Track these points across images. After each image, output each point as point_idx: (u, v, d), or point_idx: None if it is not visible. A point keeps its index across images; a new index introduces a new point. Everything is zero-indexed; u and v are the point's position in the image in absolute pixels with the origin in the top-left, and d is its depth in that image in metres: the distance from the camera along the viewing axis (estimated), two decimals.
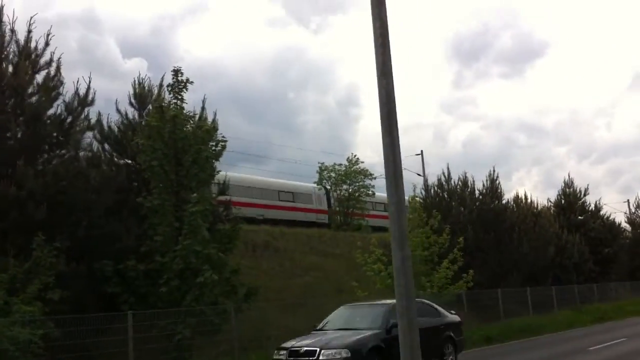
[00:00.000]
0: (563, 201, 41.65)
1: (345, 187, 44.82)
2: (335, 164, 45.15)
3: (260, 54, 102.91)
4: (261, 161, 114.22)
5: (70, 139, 15.87)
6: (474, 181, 32.38)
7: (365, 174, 45.53)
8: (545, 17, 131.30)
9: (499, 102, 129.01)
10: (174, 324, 14.34)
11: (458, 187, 32.08)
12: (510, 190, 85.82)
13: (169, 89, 17.16)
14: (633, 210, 52.80)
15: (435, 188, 32.43)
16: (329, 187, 44.49)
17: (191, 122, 17.24)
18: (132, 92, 18.73)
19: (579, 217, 40.04)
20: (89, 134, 16.77)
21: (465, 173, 32.82)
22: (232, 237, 17.24)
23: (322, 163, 45.20)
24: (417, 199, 27.88)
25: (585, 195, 42.19)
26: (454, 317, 16.68)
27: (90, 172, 16.44)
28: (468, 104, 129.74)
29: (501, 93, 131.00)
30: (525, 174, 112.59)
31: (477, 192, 32.18)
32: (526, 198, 38.13)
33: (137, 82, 18.78)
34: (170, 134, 16.00)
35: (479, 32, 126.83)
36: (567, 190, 41.97)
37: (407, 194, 33.24)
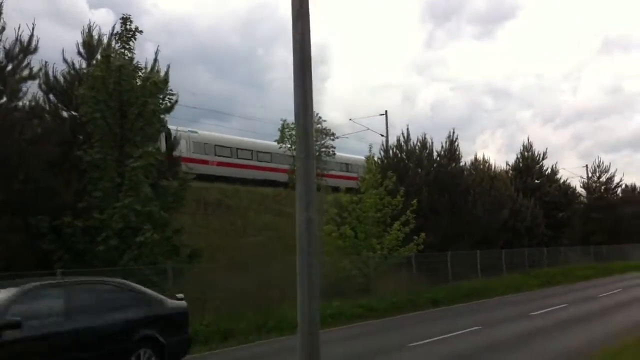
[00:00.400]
0: (521, 164, 41.86)
1: None
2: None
3: (231, 9, 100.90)
4: (224, 118, 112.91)
5: (7, 88, 15.05)
6: (432, 142, 32.23)
7: (327, 133, 45.03)
8: None
9: (470, 64, 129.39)
10: None
11: (417, 148, 31.86)
12: (473, 154, 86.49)
13: (117, 37, 16.33)
14: (590, 175, 53.86)
15: (394, 149, 32.16)
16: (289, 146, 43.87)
17: (140, 74, 16.44)
18: (80, 40, 17.93)
19: (535, 181, 40.38)
20: (31, 83, 15.85)
21: (425, 134, 32.69)
22: (177, 196, 16.51)
23: (284, 120, 44.40)
24: (375, 159, 27.62)
25: (543, 159, 42.46)
26: (170, 306, 10.91)
27: (30, 123, 15.77)
28: (439, 65, 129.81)
29: (472, 55, 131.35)
30: (489, 137, 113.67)
31: (435, 154, 32.00)
32: (484, 161, 38.39)
33: (86, 30, 17.96)
34: (115, 85, 15.25)
35: None
36: (526, 153, 42.16)
37: (364, 154, 33.22)
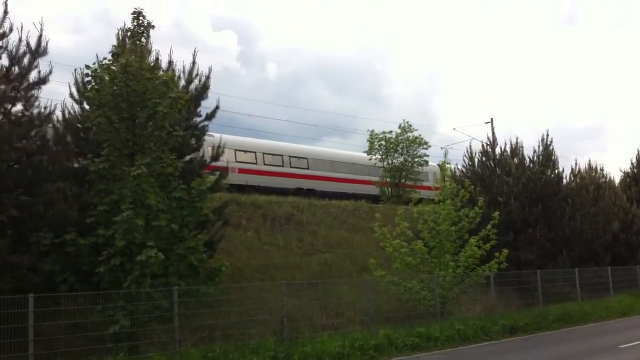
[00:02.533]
0: (636, 170, 37.23)
1: (397, 156, 41.65)
2: (384, 131, 41.94)
3: (347, 26, 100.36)
4: (345, 135, 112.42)
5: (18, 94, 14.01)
6: (522, 147, 28.98)
7: (420, 142, 42.12)
8: None
9: None
10: (112, 310, 12.34)
11: (505, 154, 28.77)
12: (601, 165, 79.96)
13: (128, 34, 14.99)
14: None
15: (480, 155, 29.16)
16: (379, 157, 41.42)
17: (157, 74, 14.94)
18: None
19: None
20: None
21: (517, 138, 29.51)
22: (194, 207, 14.70)
23: (372, 130, 42.09)
24: (449, 166, 24.87)
25: None
26: None
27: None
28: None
29: None
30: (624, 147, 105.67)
31: (527, 160, 28.75)
32: (591, 167, 34.40)
33: (119, 33, 16.79)
34: (122, 86, 13.88)
35: None
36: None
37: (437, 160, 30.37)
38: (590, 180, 32.86)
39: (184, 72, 18.74)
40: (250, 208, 26.12)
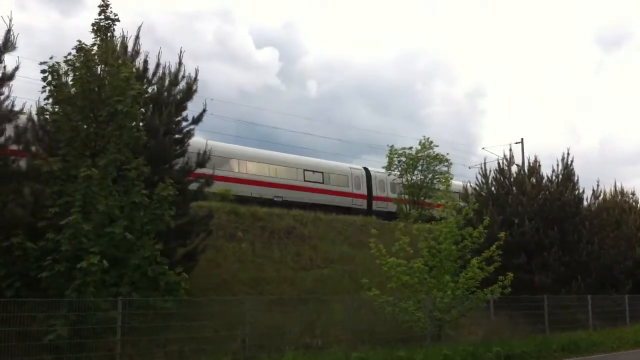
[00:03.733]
0: None
1: (416, 172, 40.28)
2: (404, 147, 40.60)
3: (387, 45, 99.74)
4: (383, 153, 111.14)
5: None
6: (539, 165, 27.50)
7: (441, 159, 40.65)
8: None
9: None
10: (54, 319, 11.43)
11: (521, 172, 27.34)
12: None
13: (94, 28, 14.18)
14: None
15: (495, 173, 27.73)
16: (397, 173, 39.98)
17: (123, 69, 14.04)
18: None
19: None
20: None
21: (536, 157, 28.07)
22: (154, 215, 13.65)
23: (392, 146, 40.78)
24: (451, 179, 23.56)
25: None
26: None
27: None
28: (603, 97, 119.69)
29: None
30: None
31: (545, 179, 27.28)
32: (617, 191, 32.70)
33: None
34: (84, 83, 13.07)
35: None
36: None
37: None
38: (615, 204, 31.24)
39: (169, 73, 18.09)
40: (249, 219, 25.16)
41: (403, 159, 40.33)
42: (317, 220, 27.96)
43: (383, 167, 39.96)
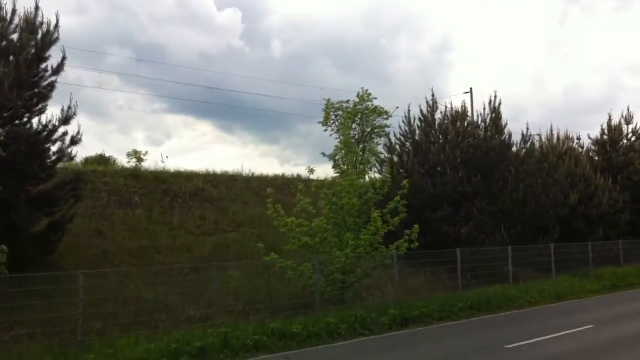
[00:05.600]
0: (605, 136, 33.94)
1: (354, 126, 38.33)
2: (341, 101, 38.61)
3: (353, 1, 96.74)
4: None
5: None
6: (465, 111, 25.89)
7: (380, 112, 38.77)
8: None
9: (605, 40, 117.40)
10: None
11: (446, 119, 25.66)
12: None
13: None
14: None
15: (418, 121, 25.99)
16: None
17: None
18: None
19: (621, 157, 32.38)
20: None
21: (463, 102, 26.47)
22: None
23: (328, 99, 38.70)
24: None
25: (628, 123, 34.08)
26: None
27: None
28: (571, 44, 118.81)
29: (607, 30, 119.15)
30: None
31: (472, 126, 25.65)
32: (552, 134, 31.40)
33: None
34: None
35: None
36: (611, 125, 34.05)
37: None
38: (552, 149, 29.93)
39: (26, 20, 15.93)
40: (152, 183, 23.26)
41: (340, 112, 38.62)
42: (231, 180, 26.15)
43: (319, 122, 38.13)
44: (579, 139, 34.34)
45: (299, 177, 28.75)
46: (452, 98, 64.88)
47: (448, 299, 17.20)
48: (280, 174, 29.99)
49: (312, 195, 19.09)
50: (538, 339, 12.76)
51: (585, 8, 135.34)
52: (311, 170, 20.00)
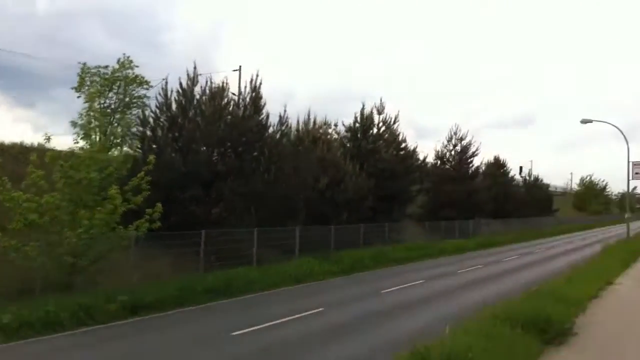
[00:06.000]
0: (357, 124, 35.80)
1: (111, 95, 35.65)
2: (99, 66, 35.68)
3: None
4: None
5: None
6: (227, 88, 25.29)
7: (140, 81, 36.51)
8: None
9: None
10: None
11: (205, 94, 24.85)
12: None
13: None
14: (445, 143, 48.88)
15: (177, 95, 24.83)
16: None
17: None
18: None
19: (370, 145, 34.44)
20: None
21: (226, 79, 25.72)
22: None
23: (84, 63, 35.52)
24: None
25: (380, 113, 36.49)
26: None
27: None
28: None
29: None
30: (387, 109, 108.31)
31: (228, 103, 25.13)
32: (309, 119, 32.18)
33: None
34: None
35: None
36: (364, 113, 36.00)
37: None
38: (307, 134, 30.71)
39: None
40: None
41: (97, 79, 35.84)
42: None
43: (72, 88, 34.99)
44: (336, 125, 35.98)
45: (41, 147, 26.04)
46: (223, 75, 64.28)
47: (188, 283, 16.60)
48: (19, 142, 26.87)
49: (48, 168, 17.19)
50: (266, 324, 12.81)
51: None
52: (48, 139, 18.02)
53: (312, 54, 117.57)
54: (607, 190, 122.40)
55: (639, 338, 9.71)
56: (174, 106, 24.61)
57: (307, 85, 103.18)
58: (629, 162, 37.40)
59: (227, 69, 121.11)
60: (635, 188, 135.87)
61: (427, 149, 50.30)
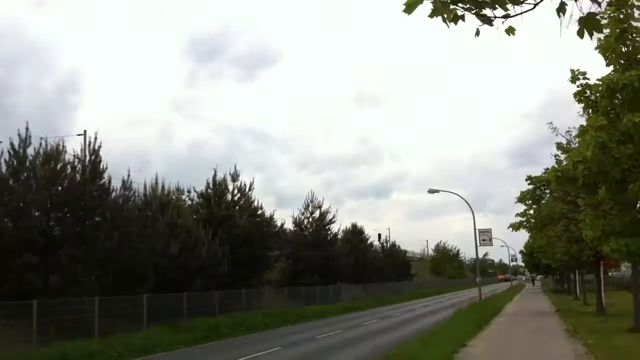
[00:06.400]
0: (210, 190, 34.93)
1: None
2: None
3: None
4: None
5: None
6: (63, 151, 23.55)
7: None
8: (281, 26, 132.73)
9: (230, 105, 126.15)
10: None
11: (39, 157, 23.02)
12: None
13: None
14: (303, 210, 48.93)
15: (8, 157, 22.82)
16: None
17: None
18: None
19: (223, 211, 33.58)
20: None
21: (63, 141, 24.01)
22: None
23: None
24: None
25: (250, 190, 36.14)
26: None
27: None
28: (199, 104, 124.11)
29: (233, 96, 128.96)
30: (247, 178, 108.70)
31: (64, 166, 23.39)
32: (157, 184, 30.78)
33: None
34: None
35: (217, 34, 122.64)
36: (216, 180, 35.27)
37: None
38: (155, 198, 29.35)
39: None
40: None
41: None
42: None
43: None
44: (189, 192, 35.03)
45: None
46: (68, 139, 61.15)
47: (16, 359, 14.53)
48: None
49: None
50: None
51: (212, 74, 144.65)
52: None
53: (163, 121, 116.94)
54: (461, 255, 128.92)
55: None
56: (3, 168, 22.61)
57: (161, 153, 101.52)
58: (475, 229, 39.11)
59: (72, 131, 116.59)
60: (486, 254, 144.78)
61: (288, 217, 50.30)
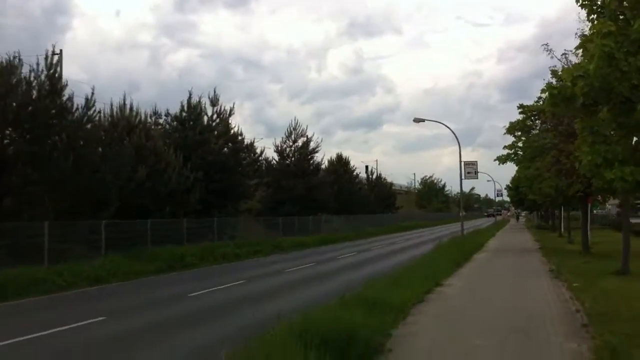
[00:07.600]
0: (184, 114, 33.17)
1: None
2: None
3: None
4: None
5: None
6: (19, 62, 21.69)
7: None
8: None
9: (221, 31, 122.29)
10: None
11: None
12: None
13: None
14: (285, 138, 47.34)
15: None
16: None
17: None
18: None
19: (198, 136, 31.94)
20: None
21: (19, 54, 22.09)
22: None
23: None
24: None
25: (230, 115, 34.49)
26: None
27: None
28: (189, 29, 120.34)
29: (225, 23, 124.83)
30: (237, 107, 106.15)
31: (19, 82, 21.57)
32: (125, 105, 28.82)
33: None
34: None
35: None
36: (191, 103, 33.44)
37: None
38: (123, 119, 27.64)
39: None
40: None
41: None
42: None
43: None
44: (167, 115, 33.46)
45: None
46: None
47: None
48: None
49: None
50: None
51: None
52: None
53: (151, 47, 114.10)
54: (447, 189, 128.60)
55: (460, 351, 7.97)
56: None
57: (151, 79, 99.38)
58: (460, 161, 37.71)
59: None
60: (473, 189, 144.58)
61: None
